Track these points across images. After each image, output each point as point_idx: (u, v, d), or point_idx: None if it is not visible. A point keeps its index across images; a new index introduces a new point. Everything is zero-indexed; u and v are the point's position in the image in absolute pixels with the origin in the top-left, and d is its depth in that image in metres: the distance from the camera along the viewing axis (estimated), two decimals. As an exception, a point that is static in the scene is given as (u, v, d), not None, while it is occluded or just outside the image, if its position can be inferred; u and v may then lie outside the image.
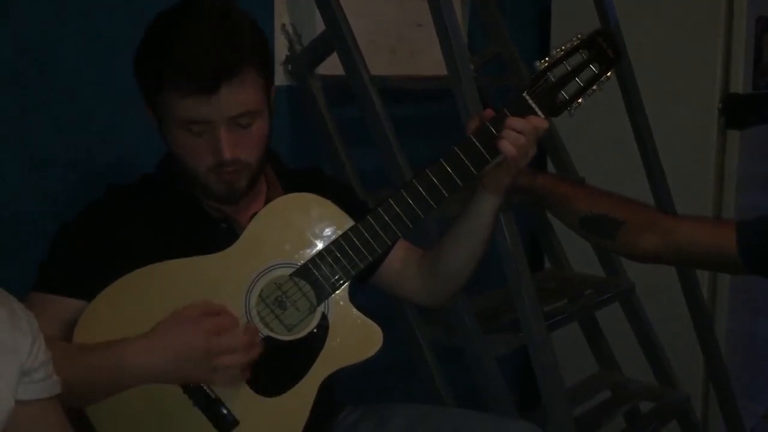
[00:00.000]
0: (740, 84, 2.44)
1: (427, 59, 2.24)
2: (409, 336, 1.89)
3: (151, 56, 1.20)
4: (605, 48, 1.28)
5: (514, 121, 1.24)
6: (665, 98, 2.42)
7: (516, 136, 1.23)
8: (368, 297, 1.33)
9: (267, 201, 1.34)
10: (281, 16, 2.00)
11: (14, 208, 1.56)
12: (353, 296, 1.28)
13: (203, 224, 1.30)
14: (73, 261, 1.24)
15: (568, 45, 1.29)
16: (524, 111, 1.26)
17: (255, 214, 1.28)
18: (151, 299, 1.21)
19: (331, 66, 1.93)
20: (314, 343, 1.25)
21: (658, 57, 2.44)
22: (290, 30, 2.01)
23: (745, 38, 2.43)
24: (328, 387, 1.27)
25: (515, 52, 2.37)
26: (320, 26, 1.90)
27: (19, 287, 1.05)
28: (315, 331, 1.25)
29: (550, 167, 2.42)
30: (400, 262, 1.43)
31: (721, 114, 2.44)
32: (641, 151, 2.21)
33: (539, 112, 1.26)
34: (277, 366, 1.24)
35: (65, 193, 1.62)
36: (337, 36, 1.82)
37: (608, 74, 1.29)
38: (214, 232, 1.29)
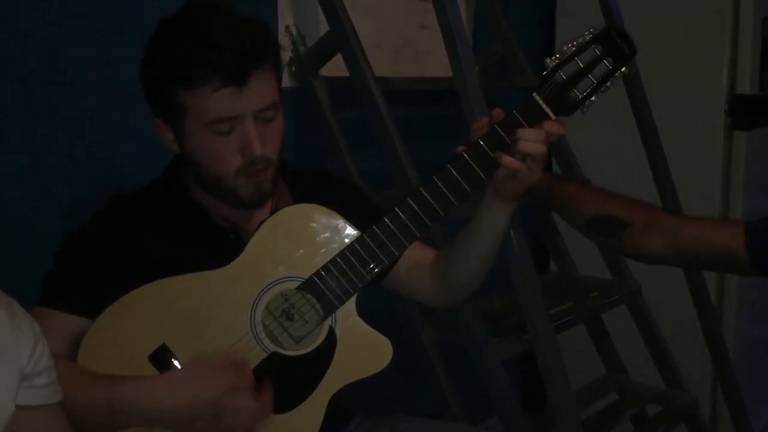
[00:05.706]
0: (747, 85, 2.43)
1: (431, 60, 2.24)
2: (414, 338, 1.88)
3: (170, 55, 1.15)
4: (619, 42, 1.23)
5: (524, 133, 1.18)
6: (671, 99, 2.41)
7: (531, 146, 1.18)
8: (372, 299, 1.32)
9: (273, 203, 1.32)
10: (285, 17, 2.00)
11: (15, 206, 1.55)
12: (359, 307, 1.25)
13: (211, 236, 1.27)
14: (79, 278, 1.22)
15: (580, 40, 1.23)
16: (534, 112, 1.20)
17: (262, 221, 1.26)
18: (157, 317, 1.20)
19: (335, 67, 1.92)
20: (322, 358, 1.22)
21: (664, 57, 2.43)
22: (294, 31, 2.00)
23: (752, 39, 2.42)
24: (336, 400, 1.24)
25: (520, 52, 2.37)
26: (324, 27, 1.90)
27: (20, 288, 1.04)
28: (323, 345, 1.22)
29: (556, 168, 2.41)
30: (412, 262, 1.39)
31: (727, 115, 2.43)
32: (647, 152, 2.20)
33: (550, 113, 1.21)
34: (284, 382, 1.21)
35: (67, 192, 1.62)
36: (341, 37, 1.81)
37: (623, 69, 1.24)
38: (222, 244, 1.27)
